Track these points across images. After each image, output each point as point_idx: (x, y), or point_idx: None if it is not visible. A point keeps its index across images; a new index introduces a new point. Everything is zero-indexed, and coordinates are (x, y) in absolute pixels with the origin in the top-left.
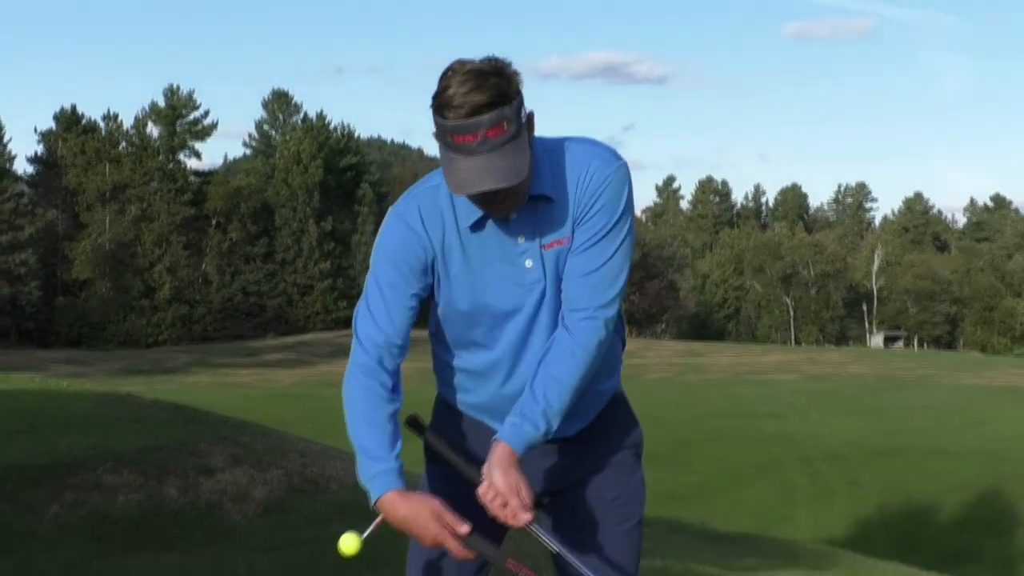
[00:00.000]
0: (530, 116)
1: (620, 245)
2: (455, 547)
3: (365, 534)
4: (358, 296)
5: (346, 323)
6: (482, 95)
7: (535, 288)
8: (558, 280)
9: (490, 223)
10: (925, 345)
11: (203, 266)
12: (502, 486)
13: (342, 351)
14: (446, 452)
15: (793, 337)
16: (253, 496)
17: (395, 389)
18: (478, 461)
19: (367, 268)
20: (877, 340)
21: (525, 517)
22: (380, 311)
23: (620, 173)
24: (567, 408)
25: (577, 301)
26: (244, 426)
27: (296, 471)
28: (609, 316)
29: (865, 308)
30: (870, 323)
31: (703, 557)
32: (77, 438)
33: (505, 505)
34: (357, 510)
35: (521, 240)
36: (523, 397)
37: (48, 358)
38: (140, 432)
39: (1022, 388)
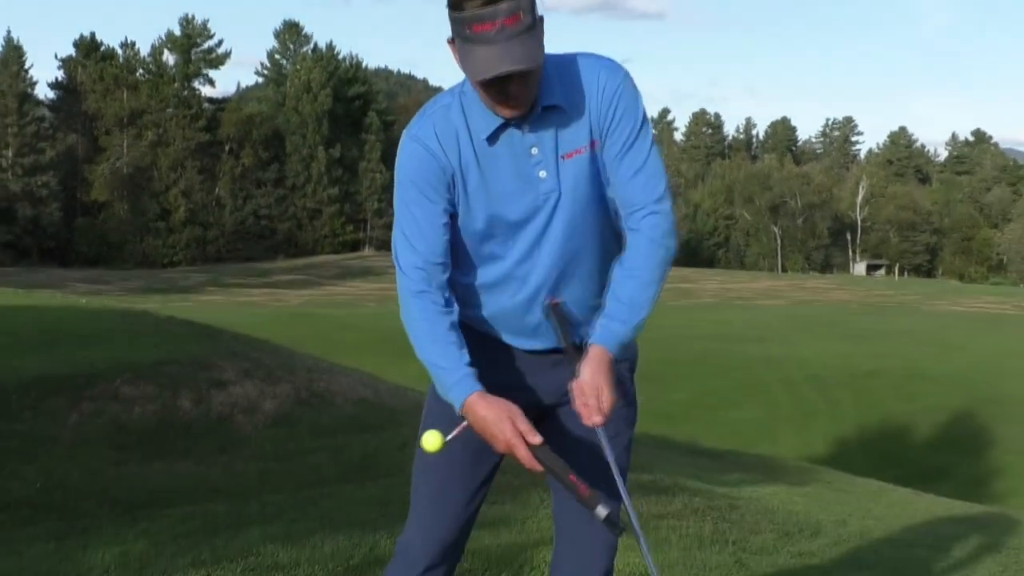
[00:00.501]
0: (541, 19)
1: (652, 143)
2: (524, 455)
3: (449, 437)
4: (366, 221)
5: (353, 246)
6: None
7: (549, 198)
8: (574, 191)
9: (504, 136)
10: (906, 273)
11: (216, 190)
12: (587, 384)
13: (349, 273)
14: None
15: (780, 264)
16: (262, 408)
17: (448, 303)
18: (488, 374)
19: (373, 193)
20: (860, 268)
21: (596, 420)
22: (414, 234)
23: (628, 80)
24: (652, 301)
25: (633, 202)
26: (254, 343)
27: (303, 386)
28: (667, 209)
29: (849, 237)
30: (853, 252)
31: (690, 472)
32: (96, 351)
33: (586, 404)
34: (360, 423)
35: (534, 151)
36: (607, 299)
37: (68, 276)
38: (156, 347)
39: (997, 315)
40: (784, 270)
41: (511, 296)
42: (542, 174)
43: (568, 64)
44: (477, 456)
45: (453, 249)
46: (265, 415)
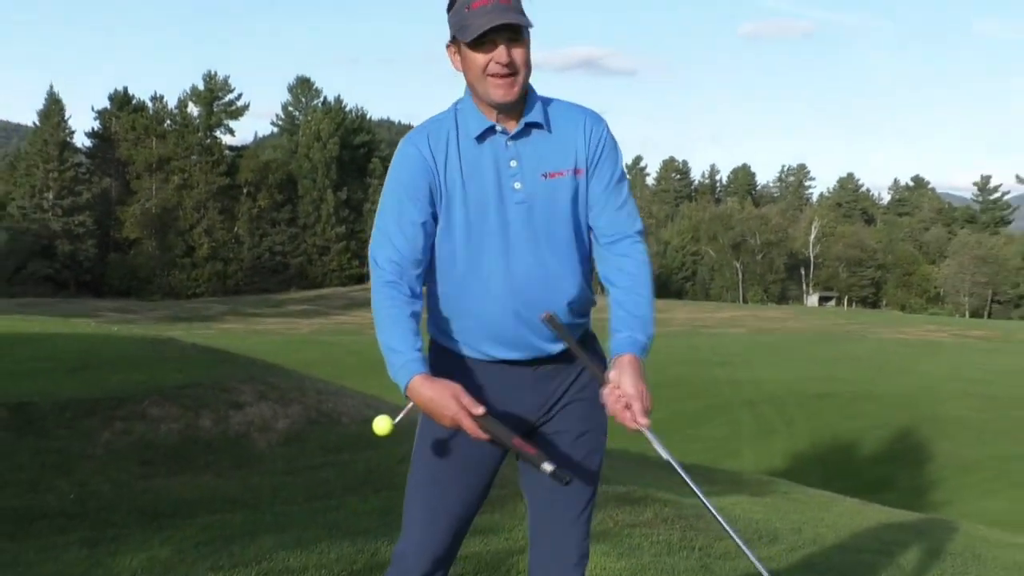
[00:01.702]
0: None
1: (629, 188)
2: (470, 426)
3: (397, 419)
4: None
5: (359, 279)
6: None
7: (519, 209)
8: (552, 207)
9: (490, 139)
10: (854, 304)
11: (235, 229)
12: (631, 389)
13: (355, 303)
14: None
15: (741, 296)
16: (276, 428)
17: (415, 295)
18: (474, 396)
19: None
20: (813, 300)
21: (644, 421)
22: (394, 232)
23: (609, 130)
24: (653, 313)
25: (620, 230)
26: (269, 367)
27: (313, 406)
28: (646, 243)
29: (803, 272)
30: (807, 285)
31: (662, 485)
32: (126, 375)
33: (628, 407)
34: (365, 440)
35: (513, 164)
36: (618, 315)
37: (102, 306)
38: (180, 371)
39: (935, 342)
40: (745, 301)
41: (492, 303)
42: (516, 185)
43: (553, 100)
44: (469, 469)
45: (438, 261)
46: (278, 433)
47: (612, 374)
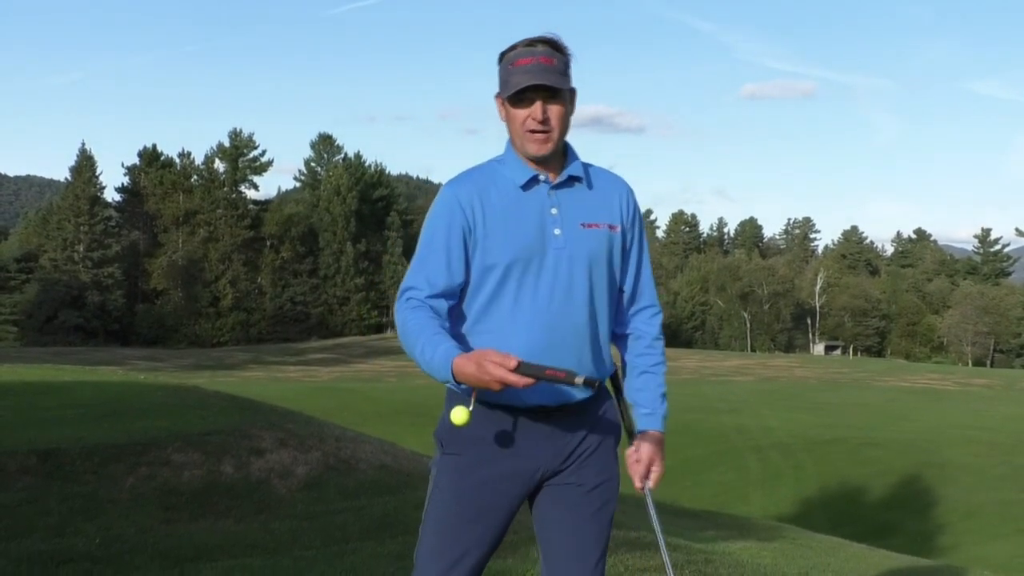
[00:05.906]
0: (574, 90)
1: (650, 261)
2: (514, 379)
3: (471, 407)
4: (388, 306)
5: (377, 329)
6: (542, 44)
7: (561, 254)
8: (589, 255)
9: (535, 188)
10: (859, 353)
11: (259, 280)
12: (644, 456)
13: (373, 352)
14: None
15: (749, 345)
16: (296, 473)
17: (439, 315)
18: (492, 445)
19: (396, 283)
20: (819, 348)
21: (639, 485)
22: (423, 267)
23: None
24: (666, 388)
25: (646, 298)
26: (290, 414)
27: (332, 453)
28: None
29: (809, 322)
30: (813, 334)
31: (671, 530)
32: (151, 422)
33: (638, 471)
34: (381, 486)
35: (554, 211)
36: (640, 391)
37: (129, 355)
38: (203, 418)
39: (938, 390)
40: (753, 350)
41: (523, 342)
42: (557, 231)
43: (593, 166)
44: (481, 518)
45: (470, 300)
46: (298, 479)
47: (637, 441)
